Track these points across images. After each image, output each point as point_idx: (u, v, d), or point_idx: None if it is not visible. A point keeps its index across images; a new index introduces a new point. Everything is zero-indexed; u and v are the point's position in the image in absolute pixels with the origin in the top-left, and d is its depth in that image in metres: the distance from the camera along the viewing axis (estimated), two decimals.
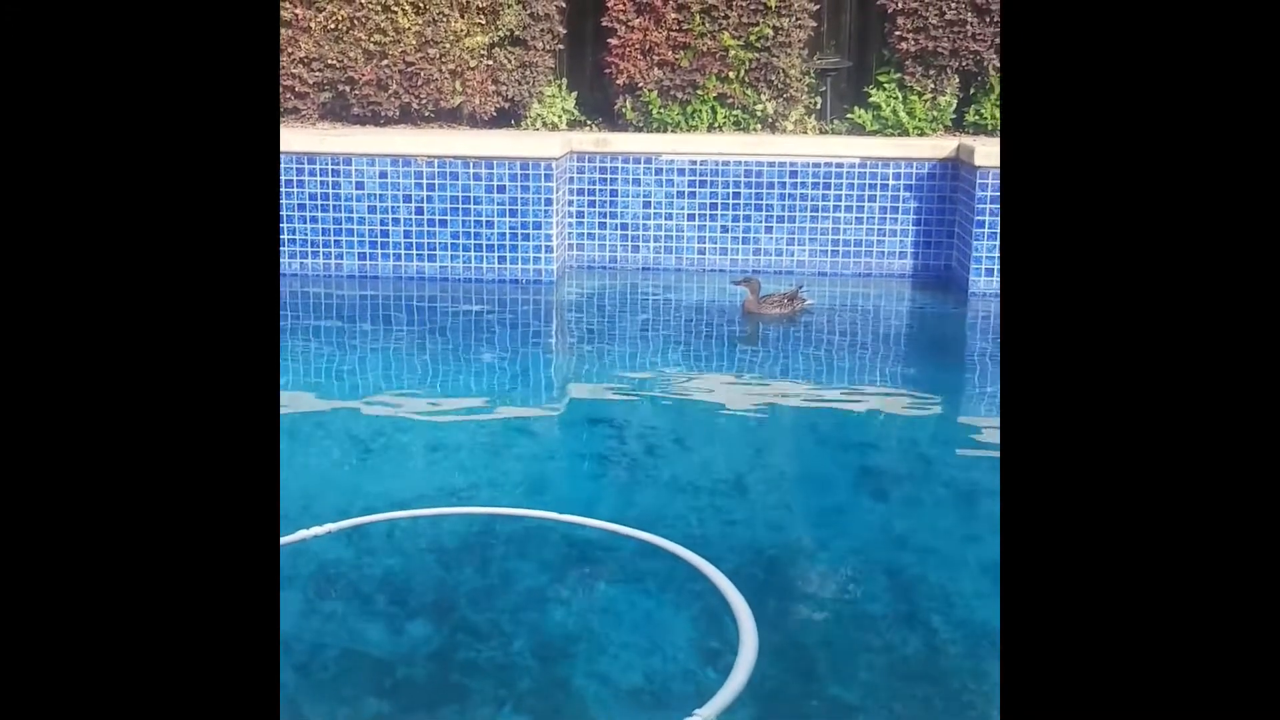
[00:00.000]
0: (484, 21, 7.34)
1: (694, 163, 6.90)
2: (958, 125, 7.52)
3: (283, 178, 6.48)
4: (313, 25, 7.27)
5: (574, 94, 7.78)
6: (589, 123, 7.76)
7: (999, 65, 7.20)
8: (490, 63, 7.40)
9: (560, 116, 7.66)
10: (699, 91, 7.36)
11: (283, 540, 3.07)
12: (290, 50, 7.28)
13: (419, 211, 6.53)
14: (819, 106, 7.75)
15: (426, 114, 7.50)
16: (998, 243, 6.22)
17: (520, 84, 7.46)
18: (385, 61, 7.32)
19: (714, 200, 6.94)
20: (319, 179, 6.53)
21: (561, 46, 7.66)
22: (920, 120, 7.31)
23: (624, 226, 7.02)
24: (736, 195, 6.92)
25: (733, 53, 7.26)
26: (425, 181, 6.49)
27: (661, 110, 7.37)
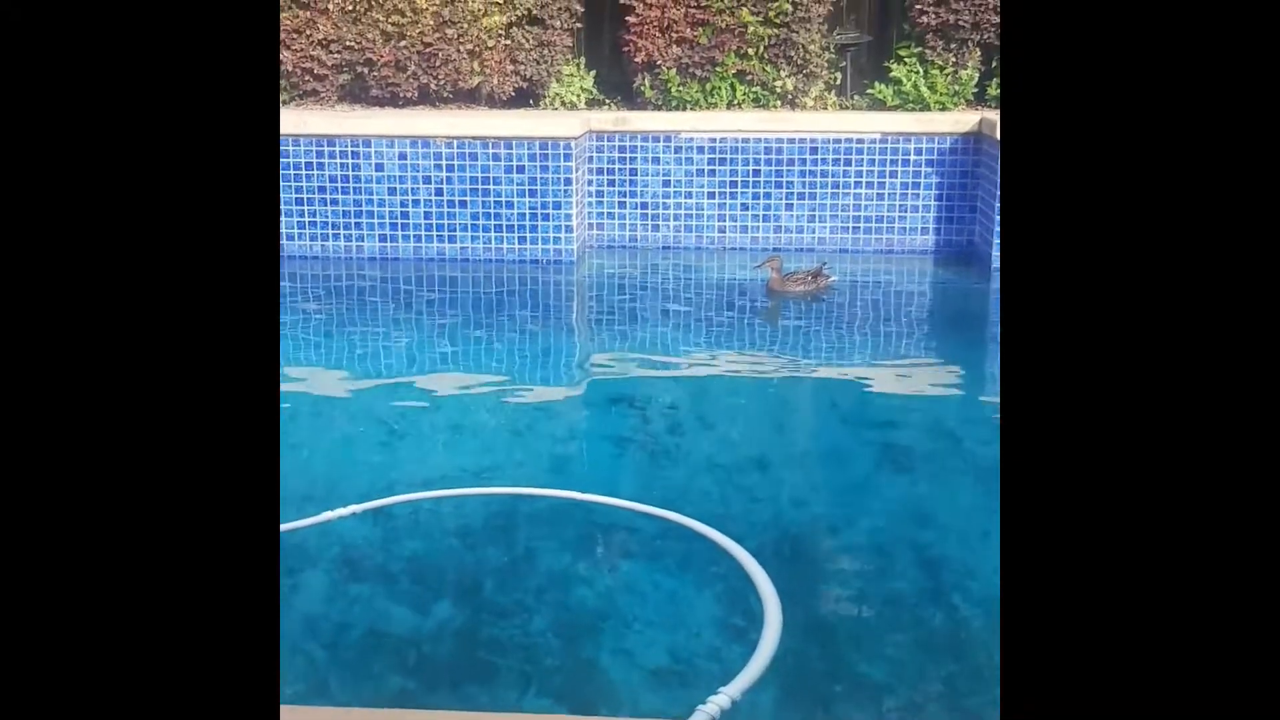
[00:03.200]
0: (501, 1, 7.31)
1: (713, 140, 6.87)
2: (979, 99, 7.45)
3: (302, 160, 6.49)
4: (330, 7, 7.26)
5: (592, 73, 7.75)
6: (608, 101, 7.73)
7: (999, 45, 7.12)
8: (508, 42, 7.37)
9: (579, 95, 7.63)
10: (718, 69, 7.32)
11: (308, 521, 3.08)
12: (308, 32, 7.27)
13: (439, 193, 6.53)
14: (839, 82, 7.69)
15: (445, 95, 7.48)
16: None
17: (538, 63, 7.44)
18: (403, 42, 7.30)
19: (734, 178, 6.91)
20: (339, 161, 6.53)
21: (579, 25, 7.62)
22: (942, 95, 7.24)
23: (644, 205, 7.00)
24: (757, 173, 6.89)
25: (751, 29, 7.21)
26: (444, 163, 6.48)
27: (680, 88, 7.33)
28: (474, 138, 6.44)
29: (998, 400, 4.43)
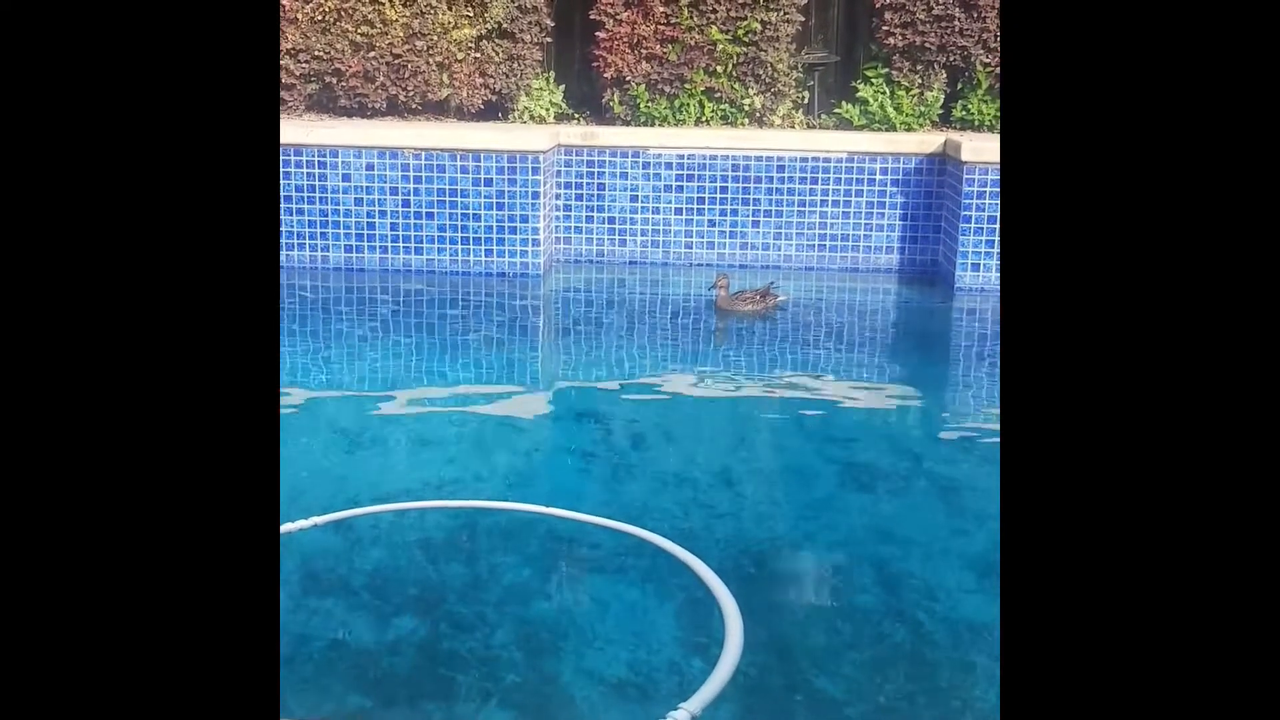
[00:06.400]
0: (472, 14, 7.32)
1: (681, 156, 6.90)
2: (944, 120, 7.54)
3: None
4: (299, 17, 7.24)
5: (562, 87, 7.77)
6: (576, 116, 7.75)
7: (999, 60, 7.21)
8: (478, 55, 7.38)
9: (548, 109, 7.65)
10: (686, 85, 7.35)
11: None
12: None
13: (406, 204, 6.52)
14: (806, 101, 7.75)
15: (414, 106, 7.47)
16: (984, 238, 6.24)
17: (508, 77, 7.44)
18: (372, 53, 7.29)
19: (701, 194, 6.94)
20: (305, 171, 6.50)
21: (549, 39, 7.64)
22: (907, 115, 7.32)
23: (611, 220, 7.01)
24: (724, 189, 6.93)
25: (720, 47, 7.26)
26: (412, 174, 6.47)
27: (649, 104, 7.36)
28: (442, 150, 6.43)
29: (953, 418, 4.47)
